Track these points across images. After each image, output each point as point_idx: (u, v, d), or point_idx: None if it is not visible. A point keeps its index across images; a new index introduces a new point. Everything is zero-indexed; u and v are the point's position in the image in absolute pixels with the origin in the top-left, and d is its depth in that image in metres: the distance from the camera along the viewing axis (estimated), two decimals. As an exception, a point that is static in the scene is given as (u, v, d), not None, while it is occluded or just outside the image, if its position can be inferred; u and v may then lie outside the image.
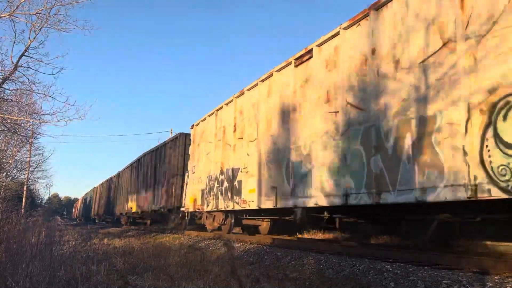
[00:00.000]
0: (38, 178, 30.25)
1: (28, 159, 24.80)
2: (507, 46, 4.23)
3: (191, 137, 14.00)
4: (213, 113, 12.01)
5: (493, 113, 4.28)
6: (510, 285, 3.74)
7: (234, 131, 10.42)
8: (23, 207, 22.79)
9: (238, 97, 10.50)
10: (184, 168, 14.78)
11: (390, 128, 5.56)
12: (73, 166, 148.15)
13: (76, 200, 77.82)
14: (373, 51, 6.00)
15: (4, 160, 20.77)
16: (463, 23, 4.69)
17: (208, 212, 11.96)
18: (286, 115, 8.20)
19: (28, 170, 25.64)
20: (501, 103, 4.21)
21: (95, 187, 41.01)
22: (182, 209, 14.21)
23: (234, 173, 10.23)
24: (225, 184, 10.67)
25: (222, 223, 11.28)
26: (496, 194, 4.15)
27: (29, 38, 9.75)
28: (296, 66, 8.05)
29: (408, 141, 5.28)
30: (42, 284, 3.99)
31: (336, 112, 6.65)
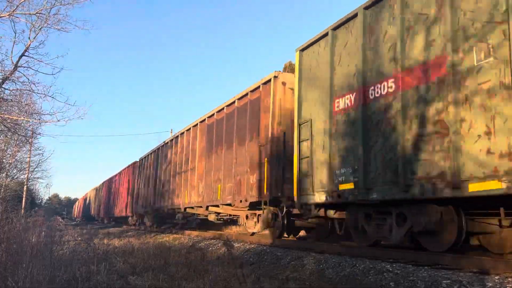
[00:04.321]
0: (38, 178, 30.33)
1: (28, 159, 24.84)
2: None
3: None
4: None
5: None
6: (510, 285, 3.74)
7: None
8: (23, 207, 22.79)
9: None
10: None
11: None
12: (73, 166, 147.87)
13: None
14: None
15: (4, 160, 20.80)
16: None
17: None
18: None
19: (28, 170, 25.67)
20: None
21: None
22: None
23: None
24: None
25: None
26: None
27: (29, 38, 9.77)
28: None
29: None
30: (42, 284, 4.00)
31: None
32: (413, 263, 5.07)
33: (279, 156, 8.82)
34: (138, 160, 22.65)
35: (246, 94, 10.29)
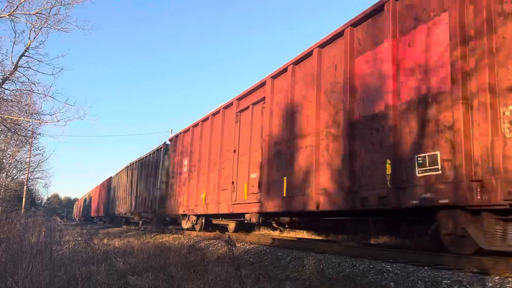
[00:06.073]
0: (38, 178, 30.35)
1: (28, 159, 24.84)
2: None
3: None
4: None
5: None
6: (510, 285, 3.74)
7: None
8: (23, 207, 22.80)
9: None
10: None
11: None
12: (73, 166, 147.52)
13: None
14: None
15: (4, 160, 20.80)
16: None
17: None
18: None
19: (28, 170, 25.67)
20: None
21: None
22: None
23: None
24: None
25: None
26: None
27: (29, 38, 9.78)
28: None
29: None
30: (42, 284, 3.99)
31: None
32: (413, 263, 5.07)
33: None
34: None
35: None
